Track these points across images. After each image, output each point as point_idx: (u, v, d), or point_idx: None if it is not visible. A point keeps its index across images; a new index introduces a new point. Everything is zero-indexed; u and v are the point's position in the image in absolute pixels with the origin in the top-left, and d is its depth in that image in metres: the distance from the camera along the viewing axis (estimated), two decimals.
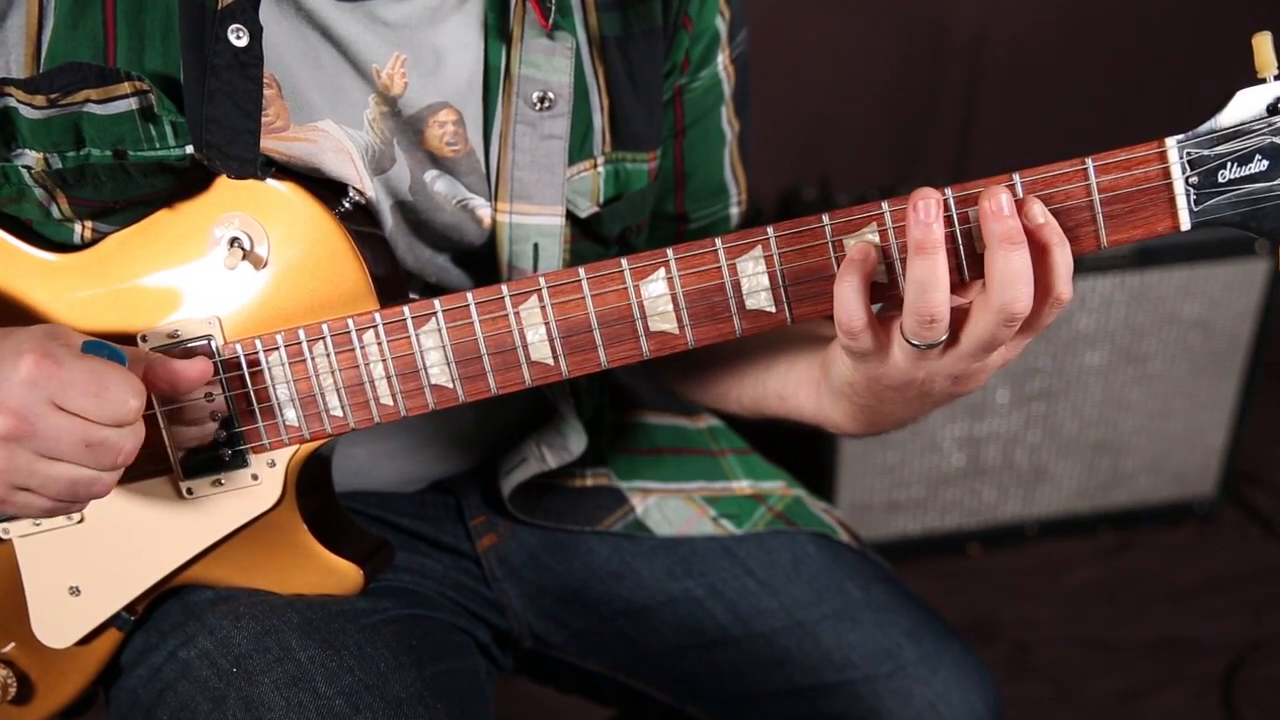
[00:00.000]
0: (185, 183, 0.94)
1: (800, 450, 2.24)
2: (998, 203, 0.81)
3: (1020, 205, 0.83)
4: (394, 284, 1.00)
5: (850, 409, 0.99)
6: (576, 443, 1.19)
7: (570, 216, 1.06)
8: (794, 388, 1.06)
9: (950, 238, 0.85)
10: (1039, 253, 0.83)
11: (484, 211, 1.05)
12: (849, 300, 0.85)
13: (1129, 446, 2.42)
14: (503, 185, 1.03)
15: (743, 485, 1.28)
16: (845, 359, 0.92)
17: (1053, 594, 2.38)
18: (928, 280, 0.82)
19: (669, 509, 1.24)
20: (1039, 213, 0.83)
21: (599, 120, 1.07)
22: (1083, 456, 2.41)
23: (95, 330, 0.95)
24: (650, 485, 1.25)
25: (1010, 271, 0.82)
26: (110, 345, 0.86)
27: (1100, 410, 2.37)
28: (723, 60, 1.14)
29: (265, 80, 0.92)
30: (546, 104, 1.02)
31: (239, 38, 0.89)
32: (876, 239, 0.86)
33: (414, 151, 1.01)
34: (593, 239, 1.10)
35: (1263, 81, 0.82)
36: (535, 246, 1.04)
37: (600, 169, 1.08)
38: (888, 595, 1.20)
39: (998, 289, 0.82)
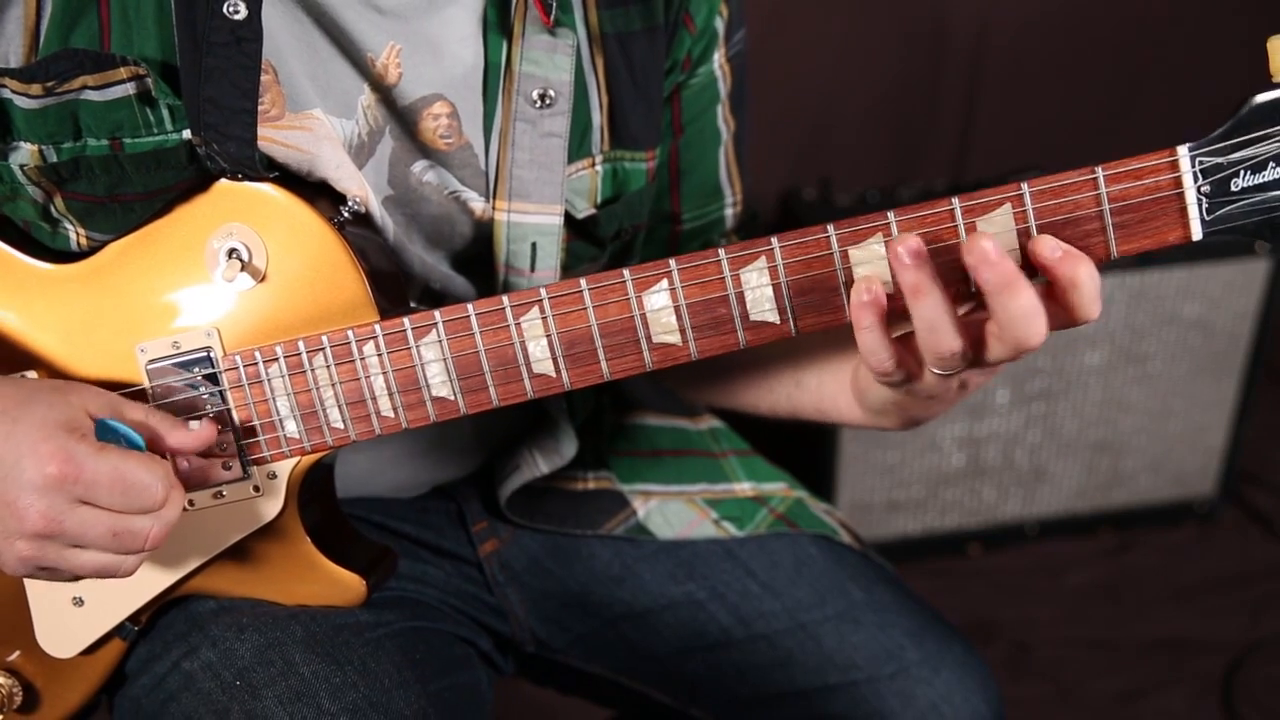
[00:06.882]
0: (183, 191, 0.93)
1: (800, 450, 2.24)
2: (980, 251, 0.79)
3: (1032, 246, 0.81)
4: (394, 292, 0.99)
5: (893, 419, 0.99)
6: (568, 446, 1.19)
7: (566, 217, 1.05)
8: (830, 401, 1.05)
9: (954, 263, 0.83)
10: (1067, 286, 0.81)
11: (477, 204, 1.03)
12: (874, 347, 0.84)
13: (1129, 446, 2.42)
14: (501, 183, 1.02)
15: (744, 487, 1.28)
16: (881, 386, 0.91)
17: (1053, 594, 2.38)
18: (933, 320, 0.81)
19: (670, 511, 1.23)
20: (1054, 246, 0.81)
21: (598, 118, 1.06)
22: (1083, 456, 2.41)
23: (93, 341, 0.94)
24: (652, 488, 1.25)
25: (1014, 314, 0.80)
26: (123, 427, 0.87)
27: (1100, 410, 2.36)
28: (719, 58, 1.14)
29: (263, 66, 0.91)
30: (547, 102, 1.01)
31: (235, 11, 0.88)
32: (882, 249, 0.84)
33: (406, 141, 1.00)
34: (588, 240, 1.09)
35: (1277, 86, 0.79)
36: (533, 246, 1.04)
37: (598, 168, 1.07)
38: (890, 596, 1.20)
39: (1007, 331, 0.81)
